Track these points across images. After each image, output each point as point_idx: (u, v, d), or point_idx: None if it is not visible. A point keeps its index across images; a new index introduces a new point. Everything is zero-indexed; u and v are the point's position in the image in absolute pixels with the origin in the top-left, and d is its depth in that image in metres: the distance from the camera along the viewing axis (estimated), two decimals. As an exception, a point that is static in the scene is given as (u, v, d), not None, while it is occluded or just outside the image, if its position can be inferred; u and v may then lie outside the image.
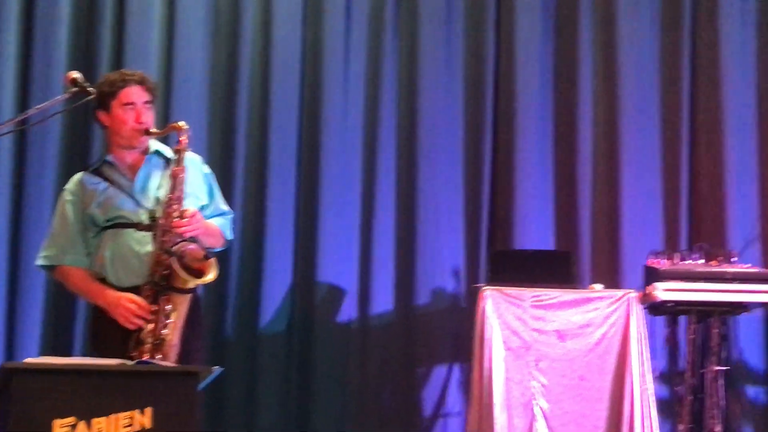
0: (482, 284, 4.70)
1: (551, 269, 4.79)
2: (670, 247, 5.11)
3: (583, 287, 4.79)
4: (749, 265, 4.72)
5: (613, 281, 5.24)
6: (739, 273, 4.51)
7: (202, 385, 2.91)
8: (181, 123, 3.48)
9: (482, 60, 5.61)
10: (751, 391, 5.28)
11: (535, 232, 5.48)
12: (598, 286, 4.66)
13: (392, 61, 5.63)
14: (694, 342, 4.63)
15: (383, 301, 5.46)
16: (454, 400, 5.29)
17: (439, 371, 5.38)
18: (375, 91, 5.61)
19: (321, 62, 5.58)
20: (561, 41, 5.64)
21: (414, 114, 5.59)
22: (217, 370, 2.91)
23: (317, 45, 5.60)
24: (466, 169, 5.57)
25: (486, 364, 4.37)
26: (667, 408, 4.82)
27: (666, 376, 5.01)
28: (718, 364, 4.54)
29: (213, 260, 3.36)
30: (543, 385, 4.37)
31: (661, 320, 4.93)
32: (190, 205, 3.45)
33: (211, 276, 3.35)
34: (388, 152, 5.58)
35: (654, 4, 5.62)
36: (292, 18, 5.58)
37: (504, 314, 4.45)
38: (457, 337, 5.28)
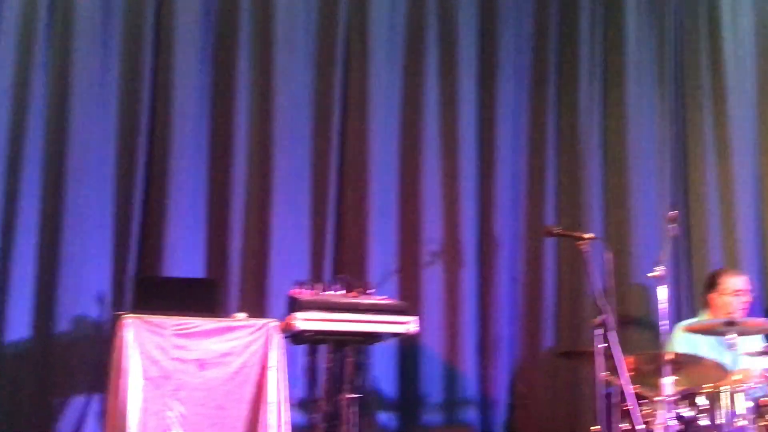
0: (125, 312, 4.60)
1: (198, 297, 4.77)
2: (315, 278, 5.29)
3: (229, 316, 4.82)
4: (384, 297, 4.98)
5: (260, 310, 5.34)
6: (373, 305, 4.75)
7: None
8: None
9: (139, 82, 5.55)
10: (383, 417, 5.60)
11: (186, 259, 5.48)
12: (241, 315, 4.71)
13: (42, 76, 5.42)
14: (330, 370, 4.81)
15: (19, 327, 5.19)
16: (91, 431, 5.12)
17: (78, 401, 5.19)
18: (22, 105, 5.36)
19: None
20: (218, 71, 5.71)
21: (64, 131, 5.40)
22: None
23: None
24: (116, 193, 5.46)
25: (122, 394, 4.26)
26: (303, 435, 4.97)
27: (304, 404, 5.16)
28: (352, 392, 4.74)
29: None
30: (181, 415, 4.33)
31: (302, 349, 5.09)
32: None
33: None
34: (33, 170, 5.35)
35: (309, 41, 5.85)
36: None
37: (145, 343, 4.37)
38: (98, 366, 5.09)
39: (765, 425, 4.57)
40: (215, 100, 5.69)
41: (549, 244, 5.94)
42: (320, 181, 5.74)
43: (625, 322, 5.72)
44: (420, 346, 5.66)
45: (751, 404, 4.53)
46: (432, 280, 5.77)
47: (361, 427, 4.82)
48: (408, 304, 4.94)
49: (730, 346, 4.60)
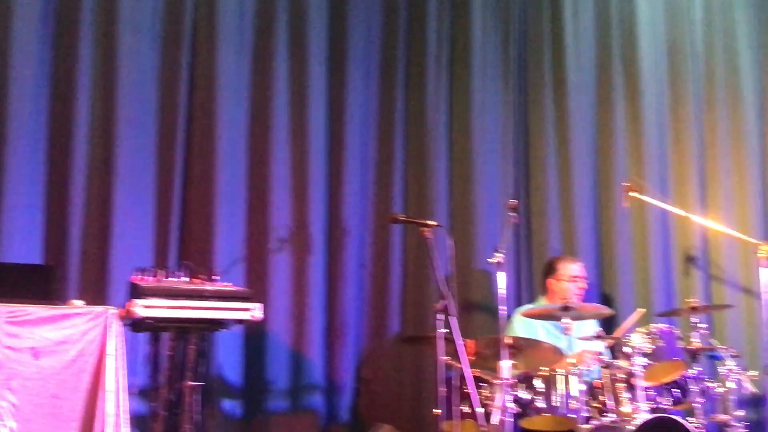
0: (-47, 299, 4.38)
1: (33, 284, 4.59)
2: (159, 265, 5.16)
3: (66, 303, 4.66)
4: (229, 284, 4.91)
5: (101, 297, 5.19)
6: (217, 291, 4.68)
7: None
8: None
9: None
10: (227, 404, 5.55)
11: (21, 244, 5.26)
12: (78, 302, 4.56)
13: None
14: (172, 358, 4.72)
15: None
16: None
17: None
18: None
19: None
20: (59, 49, 5.50)
21: None
22: None
23: None
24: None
25: (-49, 385, 4.09)
26: (143, 424, 4.85)
27: (146, 392, 5.06)
28: (194, 380, 4.66)
29: None
30: (13, 405, 4.16)
31: (144, 336, 4.98)
32: None
33: None
34: None
35: (156, 22, 5.71)
36: None
37: (-26, 331, 4.19)
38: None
39: (598, 407, 4.78)
40: (55, 79, 5.47)
41: (396, 231, 6.01)
42: (165, 165, 5.62)
43: (467, 308, 5.87)
44: (266, 332, 5.63)
45: (584, 387, 4.73)
46: (279, 266, 5.75)
47: (203, 414, 4.77)
48: (252, 291, 4.87)
49: (565, 330, 4.78)
